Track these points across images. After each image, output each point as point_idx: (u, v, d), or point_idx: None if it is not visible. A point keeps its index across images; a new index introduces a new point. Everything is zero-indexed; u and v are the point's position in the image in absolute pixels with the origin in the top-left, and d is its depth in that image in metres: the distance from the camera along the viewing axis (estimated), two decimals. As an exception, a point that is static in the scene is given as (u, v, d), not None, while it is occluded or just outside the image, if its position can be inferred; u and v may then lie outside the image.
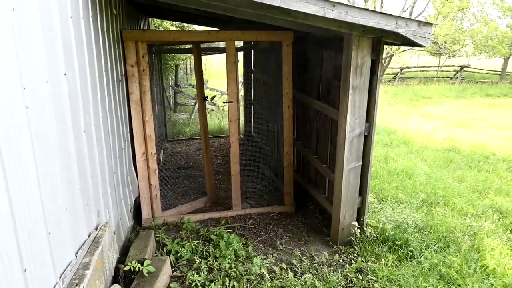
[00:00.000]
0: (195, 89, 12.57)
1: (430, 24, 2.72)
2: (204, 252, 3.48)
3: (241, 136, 8.68)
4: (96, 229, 2.41)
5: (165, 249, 3.48)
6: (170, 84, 11.22)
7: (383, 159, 6.54)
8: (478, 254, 3.33)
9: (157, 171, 4.24)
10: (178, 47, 7.94)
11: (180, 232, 3.99)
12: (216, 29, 6.43)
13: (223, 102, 10.49)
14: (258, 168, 6.26)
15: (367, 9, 2.64)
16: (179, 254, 3.42)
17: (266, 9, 2.80)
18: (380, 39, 3.03)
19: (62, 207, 1.86)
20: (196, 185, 5.54)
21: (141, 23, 6.29)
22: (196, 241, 3.70)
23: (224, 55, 8.41)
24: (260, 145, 6.97)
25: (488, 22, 21.84)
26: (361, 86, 3.24)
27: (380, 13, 2.67)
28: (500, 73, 22.00)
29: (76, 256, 2.01)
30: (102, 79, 2.79)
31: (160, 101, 8.14)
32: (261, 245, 3.79)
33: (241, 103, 9.04)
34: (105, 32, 2.97)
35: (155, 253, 3.43)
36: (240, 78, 9.40)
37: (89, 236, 2.27)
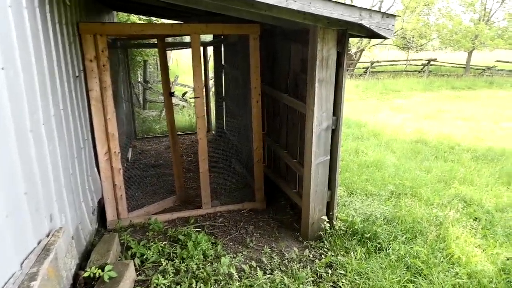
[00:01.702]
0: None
1: (393, 16, 2.71)
2: (171, 254, 3.36)
3: (213, 132, 8.55)
4: (48, 236, 2.25)
5: (130, 252, 3.33)
6: (139, 80, 10.90)
7: (353, 152, 6.60)
8: (443, 244, 3.40)
9: (121, 170, 4.07)
10: (145, 42, 7.70)
11: (147, 234, 3.84)
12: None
13: (190, 98, 10.28)
14: (230, 164, 6.18)
15: (331, 1, 2.59)
16: (144, 257, 3.28)
17: (228, 0, 2.69)
18: (345, 32, 3.00)
19: (1, 214, 1.70)
20: (166, 184, 5.38)
21: (104, 17, 6.02)
22: (164, 242, 3.58)
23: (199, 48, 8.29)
24: (232, 141, 6.87)
25: (453, 17, 22.61)
26: (328, 79, 3.20)
27: (344, 4, 2.63)
28: (464, 66, 22.84)
29: (21, 267, 1.86)
30: (53, 75, 2.61)
31: (128, 98, 7.87)
32: (231, 243, 3.71)
33: (213, 98, 8.91)
34: (57, 24, 2.78)
35: (119, 257, 3.28)
36: (212, 74, 9.25)
37: (39, 243, 2.11)
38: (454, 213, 3.84)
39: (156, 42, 6.60)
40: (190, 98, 10.34)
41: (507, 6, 22.95)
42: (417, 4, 20.85)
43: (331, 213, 3.60)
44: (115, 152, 3.99)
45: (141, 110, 10.31)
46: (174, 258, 3.29)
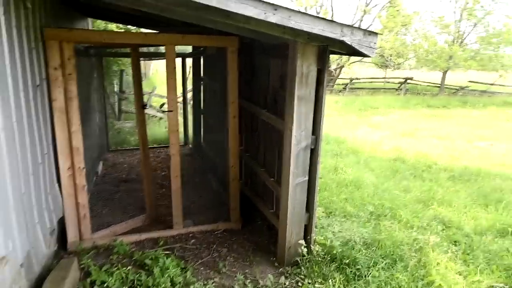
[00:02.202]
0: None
1: (375, 34, 2.61)
2: (136, 281, 3.08)
3: (190, 145, 8.30)
4: (-14, 267, 1.96)
5: (89, 280, 3.03)
6: (115, 90, 10.55)
7: (332, 169, 6.49)
8: (424, 270, 3.27)
9: (85, 187, 3.77)
10: (120, 51, 7.43)
11: (111, 257, 3.54)
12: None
13: (163, 112, 10.01)
14: (206, 180, 5.93)
15: (311, 15, 2.47)
16: (105, 285, 2.99)
17: (204, 10, 2.52)
18: (325, 48, 2.88)
19: None
20: (136, 201, 5.07)
21: (77, 24, 5.75)
22: (128, 267, 3.29)
23: (177, 60, 8.08)
24: (209, 156, 6.65)
25: (428, 37, 23.36)
26: (307, 97, 3.06)
27: (325, 19, 2.51)
28: (439, 85, 23.53)
29: None
30: (5, 84, 2.35)
31: (101, 109, 7.54)
32: (202, 268, 3.46)
33: (191, 111, 8.68)
34: (14, 28, 2.53)
35: (77, 285, 2.98)
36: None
37: (-27, 278, 1.83)
38: (434, 237, 3.74)
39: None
40: (163, 111, 10.07)
41: (478, 30, 23.94)
42: (395, 24, 21.44)
43: (309, 237, 3.42)
44: (79, 167, 3.70)
45: (116, 121, 9.95)
46: (139, 286, 3.02)
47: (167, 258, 3.38)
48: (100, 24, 9.31)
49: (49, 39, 3.29)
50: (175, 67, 3.79)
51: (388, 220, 4.30)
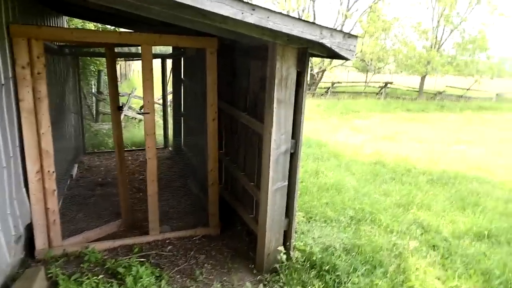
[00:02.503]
0: (121, 97, 11.64)
1: (355, 37, 2.57)
2: (107, 291, 2.93)
3: (170, 148, 8.14)
4: None
5: (57, 290, 2.87)
6: (93, 91, 10.26)
7: (314, 173, 6.46)
8: (403, 276, 3.25)
9: (56, 192, 3.59)
10: (97, 50, 7.21)
11: (82, 265, 3.37)
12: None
13: (138, 113, 9.79)
14: (185, 184, 5.79)
15: (290, 16, 2.41)
16: (74, 296, 2.84)
17: (179, 9, 2.42)
18: (305, 50, 2.82)
19: None
20: (112, 205, 4.89)
21: (50, 21, 5.53)
22: (100, 276, 3.14)
23: (157, 61, 7.91)
24: (189, 159, 6.51)
25: (407, 43, 23.86)
26: (287, 100, 2.99)
27: (305, 21, 2.45)
28: (418, 90, 24.05)
29: None
30: (-37, 82, 2.18)
31: (76, 110, 7.30)
32: (178, 276, 3.34)
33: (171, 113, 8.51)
34: (-27, 24, 2.36)
35: (43, 296, 2.81)
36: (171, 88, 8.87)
37: None
38: (413, 243, 3.73)
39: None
40: (137, 113, 9.85)
41: (455, 36, 24.66)
42: (375, 29, 21.79)
43: (288, 243, 3.35)
44: (49, 171, 3.52)
45: (93, 122, 9.66)
46: (110, 297, 2.88)
47: (141, 266, 3.25)
48: (78, 23, 9.04)
49: (16, 36, 3.11)
50: (151, 68, 3.67)
51: (368, 225, 4.28)
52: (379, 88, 22.77)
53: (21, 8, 3.60)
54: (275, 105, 2.96)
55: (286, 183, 3.24)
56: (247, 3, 2.27)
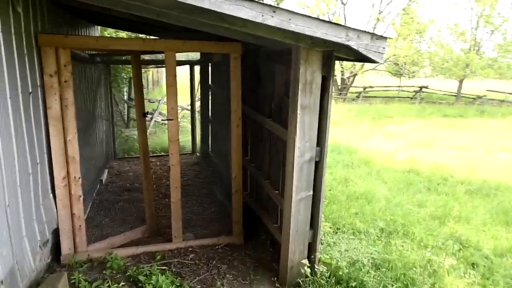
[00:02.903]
0: (151, 103, 11.87)
1: (384, 38, 2.40)
2: (126, 300, 2.90)
3: (197, 154, 8.16)
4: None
5: (77, 297, 2.87)
6: (124, 98, 10.54)
7: (343, 181, 6.23)
8: (439, 296, 2.99)
9: (81, 198, 3.64)
10: (128, 58, 7.36)
11: (104, 272, 3.38)
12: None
13: (162, 120, 9.91)
14: (211, 191, 5.75)
15: (313, 17, 2.28)
16: (94, 303, 2.82)
17: (198, 13, 2.36)
18: (331, 53, 2.68)
19: None
20: (138, 211, 4.92)
21: (81, 31, 5.70)
22: (121, 284, 3.12)
23: (186, 67, 7.99)
24: (216, 165, 6.47)
25: (444, 45, 22.88)
26: (311, 106, 2.86)
27: (329, 22, 2.32)
28: (455, 94, 22.95)
29: None
30: (-12, 90, 2.22)
31: (108, 116, 7.49)
32: (198, 286, 3.26)
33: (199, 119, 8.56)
34: (0, 33, 2.41)
35: (64, 303, 2.82)
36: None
37: None
38: (450, 259, 3.45)
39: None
40: (163, 120, 9.98)
41: (496, 37, 23.34)
42: (409, 32, 21.06)
43: (313, 256, 3.18)
44: (75, 177, 3.57)
45: (124, 128, 9.90)
46: (129, 306, 2.84)
47: (162, 275, 3.20)
48: (111, 32, 9.32)
49: (44, 45, 3.19)
50: (175, 74, 3.65)
51: (400, 238, 4.02)
52: (414, 93, 21.94)
53: (50, 18, 3.70)
54: (298, 111, 2.83)
55: (311, 192, 3.09)
56: (268, 5, 2.17)
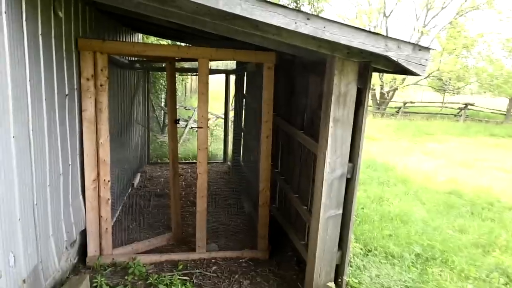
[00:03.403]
0: (187, 110, 12.06)
1: (428, 49, 2.21)
2: (144, 309, 2.85)
3: (229, 163, 8.14)
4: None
5: (97, 301, 2.86)
6: (162, 104, 10.79)
7: (377, 199, 5.93)
8: (481, 336, 2.69)
9: (109, 201, 3.67)
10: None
11: (126, 278, 3.36)
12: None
13: (191, 128, 9.98)
14: (239, 201, 5.66)
15: (350, 26, 2.15)
16: (112, 309, 2.79)
17: (230, 20, 2.31)
18: (368, 64, 2.52)
19: None
20: (165, 217, 4.93)
21: (124, 38, 5.88)
22: (141, 292, 3.08)
23: (221, 76, 8.05)
24: (246, 176, 6.39)
25: (494, 61, 21.63)
26: (344, 119, 2.70)
27: (367, 31, 2.18)
28: (505, 113, 21.56)
29: None
30: (22, 91, 2.28)
31: (144, 122, 7.66)
32: (219, 301, 3.16)
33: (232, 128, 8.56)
34: (40, 36, 2.49)
35: (84, 306, 2.81)
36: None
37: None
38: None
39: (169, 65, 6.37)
40: (190, 128, 10.06)
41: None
42: (455, 46, 20.13)
43: (340, 279, 2.98)
44: (104, 180, 3.61)
45: (160, 134, 10.11)
46: (146, 316, 2.78)
47: (182, 286, 3.13)
48: (154, 40, 9.61)
49: (83, 49, 3.28)
50: (207, 82, 3.62)
51: (437, 266, 3.70)
52: (458, 110, 20.85)
53: (93, 24, 3.82)
54: (331, 124, 2.69)
55: (341, 211, 2.91)
56: (302, 11, 2.07)
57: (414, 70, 2.21)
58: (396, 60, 2.21)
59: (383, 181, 7.23)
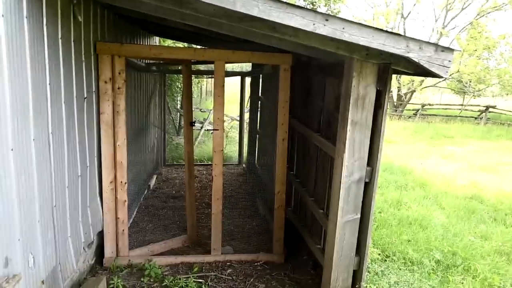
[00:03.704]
0: (203, 112, 12.11)
1: (451, 50, 2.14)
2: (160, 311, 2.85)
3: (244, 165, 8.13)
4: (-5, 286, 1.85)
5: (113, 303, 2.87)
6: (178, 106, 10.88)
7: (395, 203, 5.80)
8: None
9: (126, 202, 3.70)
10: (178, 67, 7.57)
11: (142, 279, 3.37)
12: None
13: (206, 130, 10.00)
14: (254, 204, 5.64)
15: (370, 26, 2.10)
16: (128, 311, 2.80)
17: (247, 22, 2.29)
18: (387, 66, 2.46)
19: None
20: (180, 219, 4.95)
21: (141, 41, 5.95)
22: (156, 294, 3.08)
23: (237, 78, 8.06)
24: (262, 178, 6.37)
25: (516, 62, 21.01)
26: (363, 122, 2.65)
27: (387, 32, 2.12)
28: (528, 116, 20.87)
29: None
30: (42, 94, 2.31)
31: (160, 124, 7.73)
32: (234, 305, 3.13)
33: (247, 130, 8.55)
34: (60, 39, 2.52)
35: (100, 307, 2.83)
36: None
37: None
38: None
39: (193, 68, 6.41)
40: (205, 130, 10.08)
41: None
42: (476, 47, 19.64)
43: (357, 285, 2.92)
44: (121, 182, 3.64)
45: (176, 136, 10.19)
46: (162, 318, 2.78)
47: (197, 289, 3.12)
48: (171, 43, 9.71)
49: (102, 53, 3.32)
50: (223, 85, 3.62)
51: (459, 274, 3.58)
52: (479, 112, 20.31)
53: (111, 28, 3.87)
54: (349, 127, 2.63)
55: (358, 216, 2.85)
56: (320, 12, 2.03)
57: (436, 72, 2.15)
58: (417, 61, 2.15)
59: (400, 184, 7.09)
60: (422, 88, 22.30)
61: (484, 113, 19.71)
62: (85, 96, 3.13)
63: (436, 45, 2.13)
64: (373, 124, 2.68)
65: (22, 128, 2.07)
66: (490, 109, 19.83)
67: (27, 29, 2.06)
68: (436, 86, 23.49)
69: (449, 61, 2.17)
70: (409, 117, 20.26)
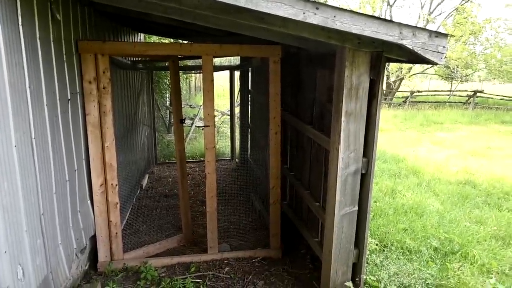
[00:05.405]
0: (192, 108, 11.94)
1: (445, 35, 2.09)
2: (157, 315, 2.78)
3: (236, 160, 8.06)
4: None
5: (109, 309, 2.80)
6: (167, 103, 10.72)
7: (389, 192, 5.80)
8: (508, 333, 2.57)
9: (118, 205, 3.60)
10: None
11: (138, 283, 3.30)
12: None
13: (197, 126, 9.90)
14: (249, 199, 5.58)
15: (362, 14, 2.03)
16: (125, 317, 2.73)
17: (234, 14, 2.20)
18: (380, 54, 2.40)
19: None
20: (175, 219, 4.87)
21: (124, 38, 5.79)
22: (153, 297, 3.01)
23: (225, 72, 7.93)
24: (255, 173, 6.31)
25: (502, 47, 21.20)
26: (357, 112, 2.59)
27: (379, 18, 2.05)
28: (515, 99, 21.12)
29: None
30: (22, 98, 2.20)
31: (149, 122, 7.59)
32: (233, 304, 3.08)
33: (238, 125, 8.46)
34: (38, 40, 2.40)
35: (95, 315, 2.75)
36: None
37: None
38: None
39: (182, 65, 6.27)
40: (196, 126, 9.97)
41: None
42: (462, 33, 19.74)
43: (357, 278, 2.89)
44: (112, 184, 3.54)
45: (166, 134, 10.05)
46: (160, 322, 2.71)
47: (195, 290, 3.05)
48: (156, 40, 9.51)
49: (83, 52, 3.20)
50: (212, 79, 3.52)
51: (457, 261, 3.58)
52: (467, 98, 20.49)
53: (92, 26, 3.73)
54: (343, 118, 2.57)
55: (356, 208, 2.80)
56: (310, 1, 1.95)
57: (431, 58, 2.09)
58: (411, 48, 2.09)
59: (394, 173, 7.10)
60: (411, 76, 22.40)
61: (472, 98, 19.89)
62: (69, 97, 3.01)
63: (429, 31, 2.07)
64: (368, 114, 2.62)
65: (1, 135, 1.96)
66: (478, 94, 20.01)
67: (1, 30, 1.94)
68: (424, 73, 23.65)
69: (444, 46, 2.11)
70: (399, 104, 20.35)
